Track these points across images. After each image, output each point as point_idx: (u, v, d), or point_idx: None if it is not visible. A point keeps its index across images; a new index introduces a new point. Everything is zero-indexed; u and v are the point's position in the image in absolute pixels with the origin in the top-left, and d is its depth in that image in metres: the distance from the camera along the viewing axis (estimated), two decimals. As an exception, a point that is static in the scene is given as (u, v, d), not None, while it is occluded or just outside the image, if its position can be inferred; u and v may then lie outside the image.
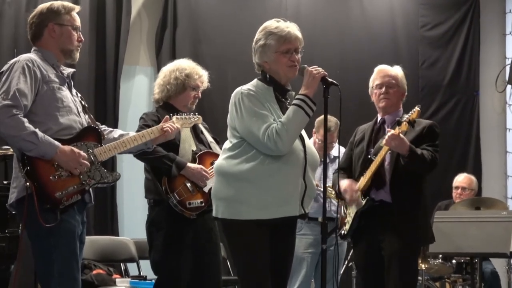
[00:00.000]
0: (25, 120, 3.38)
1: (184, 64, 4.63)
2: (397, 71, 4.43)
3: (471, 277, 5.77)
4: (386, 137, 4.12)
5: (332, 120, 5.56)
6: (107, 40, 7.12)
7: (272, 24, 3.75)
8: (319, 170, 4.75)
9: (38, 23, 3.67)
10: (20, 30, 6.78)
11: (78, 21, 3.74)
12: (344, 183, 4.33)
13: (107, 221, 6.97)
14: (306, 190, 3.65)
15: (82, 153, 3.51)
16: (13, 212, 4.45)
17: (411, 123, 4.11)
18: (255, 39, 3.76)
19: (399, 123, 4.12)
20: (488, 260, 6.87)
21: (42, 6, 3.70)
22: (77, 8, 3.77)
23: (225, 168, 3.64)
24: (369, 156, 4.29)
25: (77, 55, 3.75)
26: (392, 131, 4.11)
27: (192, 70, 4.60)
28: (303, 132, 3.75)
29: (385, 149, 4.17)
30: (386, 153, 4.19)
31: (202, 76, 4.64)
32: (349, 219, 4.37)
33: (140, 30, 7.54)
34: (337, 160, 5.82)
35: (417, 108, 4.16)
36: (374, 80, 4.43)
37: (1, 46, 6.71)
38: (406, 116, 4.14)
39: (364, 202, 4.26)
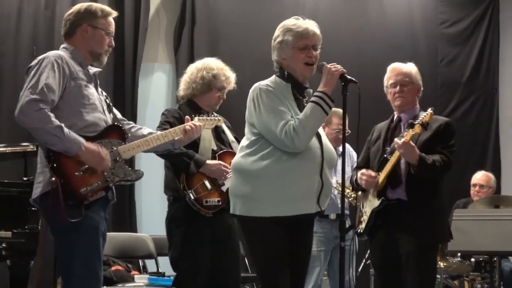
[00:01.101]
0: (52, 114, 3.40)
1: (213, 64, 4.61)
2: (410, 67, 4.41)
3: (490, 276, 5.75)
4: (397, 143, 4.10)
5: (340, 110, 5.54)
6: (126, 38, 7.15)
7: (291, 21, 3.76)
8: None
9: (73, 22, 3.69)
10: (39, 28, 6.83)
11: (112, 27, 3.76)
12: (359, 173, 4.32)
13: (125, 218, 7.01)
14: (323, 188, 3.65)
15: (105, 150, 3.53)
16: (34, 208, 4.52)
17: (424, 125, 4.10)
18: (274, 36, 3.77)
19: (412, 125, 4.09)
20: (507, 259, 6.83)
21: (81, 5, 3.73)
22: (114, 13, 3.78)
23: (242, 165, 3.65)
24: (385, 155, 4.28)
25: (105, 59, 3.78)
26: (403, 139, 4.09)
27: (219, 71, 4.58)
28: (320, 130, 3.75)
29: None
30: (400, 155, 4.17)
31: (229, 77, 4.61)
32: (365, 218, 4.36)
33: (158, 27, 7.56)
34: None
35: (430, 111, 4.14)
36: (388, 79, 4.41)
37: (20, 43, 6.76)
38: (419, 119, 4.12)
39: (379, 202, 4.24)
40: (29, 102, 3.38)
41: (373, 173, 4.27)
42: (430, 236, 4.19)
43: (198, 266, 4.40)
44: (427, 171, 4.12)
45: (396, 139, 4.14)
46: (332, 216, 5.53)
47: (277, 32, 3.77)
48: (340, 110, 5.47)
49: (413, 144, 4.09)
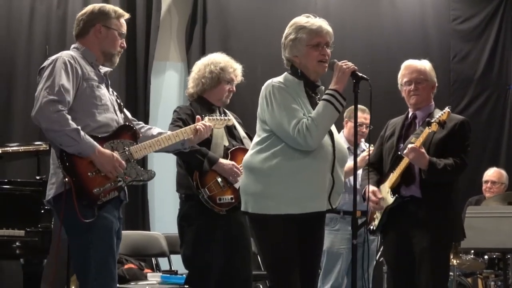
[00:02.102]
0: (69, 117, 3.42)
1: (219, 58, 4.64)
2: (424, 64, 4.38)
3: (504, 273, 5.72)
4: (406, 149, 4.07)
5: (361, 105, 5.55)
6: (138, 36, 7.17)
7: (302, 19, 3.76)
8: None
9: (87, 21, 3.71)
10: (52, 27, 6.85)
11: (125, 28, 3.79)
12: (368, 191, 4.26)
13: (138, 216, 7.03)
14: (334, 186, 3.65)
15: (120, 159, 3.54)
16: (47, 207, 4.53)
17: (441, 124, 4.07)
18: (285, 34, 3.77)
19: (429, 124, 4.06)
20: (520, 256, 6.80)
21: (94, 6, 3.76)
22: (127, 15, 3.82)
23: (254, 163, 3.66)
24: (399, 153, 4.26)
25: (117, 60, 3.80)
26: (413, 144, 4.06)
27: (226, 64, 4.61)
28: (332, 127, 3.75)
29: None
30: None
31: (236, 69, 4.65)
32: (378, 215, 4.35)
33: (170, 26, 7.57)
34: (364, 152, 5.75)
35: (447, 109, 4.11)
36: (402, 76, 4.39)
37: (33, 43, 6.79)
38: (436, 117, 4.09)
39: (393, 199, 4.23)
40: (48, 103, 3.39)
41: (379, 195, 4.24)
42: (444, 234, 4.17)
43: (210, 264, 4.40)
44: (438, 176, 4.09)
45: (409, 145, 4.10)
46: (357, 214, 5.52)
47: (289, 29, 3.77)
48: (361, 105, 5.51)
49: (422, 150, 4.05)
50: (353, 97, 3.70)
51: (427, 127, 4.08)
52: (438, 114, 4.12)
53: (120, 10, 3.79)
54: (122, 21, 3.77)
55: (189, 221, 4.47)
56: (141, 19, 7.20)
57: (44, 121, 3.40)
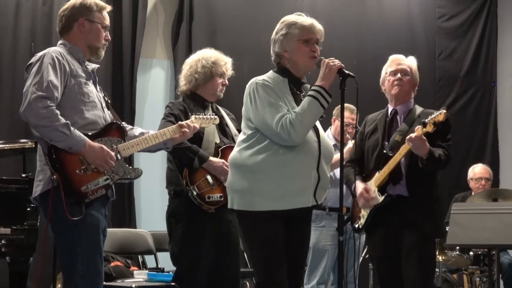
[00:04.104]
0: (59, 112, 3.41)
1: (209, 53, 4.66)
2: (411, 61, 4.42)
3: (489, 269, 5.73)
4: (409, 137, 4.07)
5: (351, 106, 5.58)
6: (124, 33, 7.14)
7: (294, 16, 3.80)
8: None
9: (69, 17, 3.70)
10: (37, 23, 6.82)
11: (108, 21, 3.78)
12: (359, 187, 4.28)
13: (124, 214, 7.01)
14: (319, 182, 3.67)
15: (111, 152, 3.54)
16: (33, 205, 4.52)
17: (437, 124, 4.06)
18: (275, 29, 3.79)
19: (424, 124, 4.05)
20: (505, 252, 6.84)
21: (75, 0, 3.74)
22: (109, 7, 3.81)
23: (239, 160, 3.67)
24: (384, 151, 4.26)
25: (102, 53, 3.79)
26: (416, 133, 4.05)
27: (217, 58, 4.63)
28: (318, 124, 3.76)
29: (405, 148, 4.12)
30: (407, 151, 4.13)
31: (227, 62, 4.67)
32: (364, 214, 4.35)
33: (156, 23, 7.55)
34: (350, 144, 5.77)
35: (443, 111, 4.10)
36: (387, 67, 4.40)
37: (18, 39, 6.75)
38: (430, 117, 4.07)
39: (382, 199, 4.23)
40: (37, 99, 3.38)
41: (372, 194, 4.25)
42: (431, 230, 4.20)
43: (199, 261, 4.40)
44: (435, 164, 4.12)
45: (412, 134, 4.09)
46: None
47: (280, 25, 3.79)
48: (351, 105, 5.53)
49: (424, 138, 4.06)
50: (339, 94, 3.70)
51: (421, 128, 4.06)
52: (434, 114, 4.10)
53: (102, 3, 3.78)
54: (105, 13, 3.76)
55: (177, 217, 4.47)
56: (127, 15, 7.18)
57: (33, 117, 3.39)
